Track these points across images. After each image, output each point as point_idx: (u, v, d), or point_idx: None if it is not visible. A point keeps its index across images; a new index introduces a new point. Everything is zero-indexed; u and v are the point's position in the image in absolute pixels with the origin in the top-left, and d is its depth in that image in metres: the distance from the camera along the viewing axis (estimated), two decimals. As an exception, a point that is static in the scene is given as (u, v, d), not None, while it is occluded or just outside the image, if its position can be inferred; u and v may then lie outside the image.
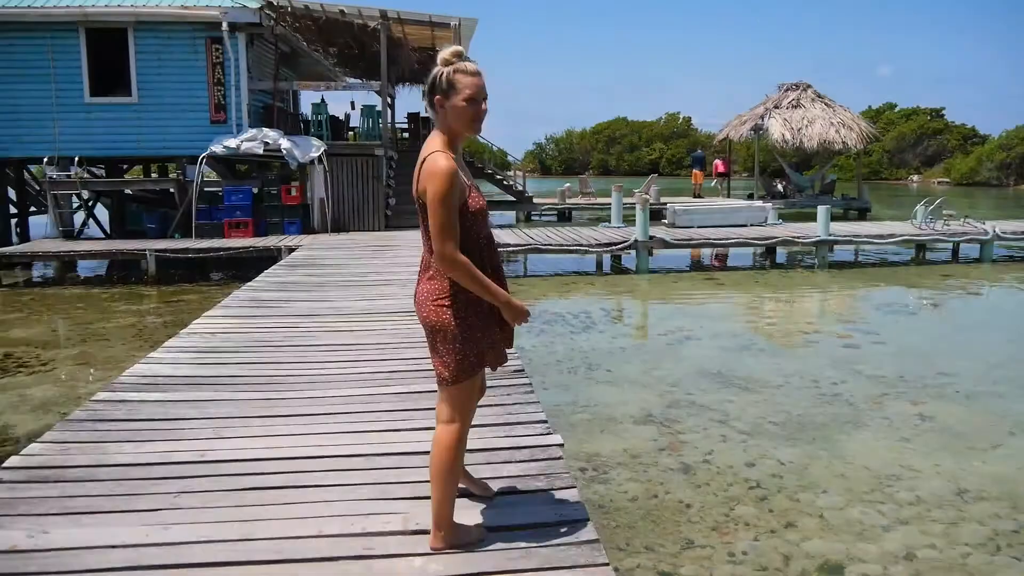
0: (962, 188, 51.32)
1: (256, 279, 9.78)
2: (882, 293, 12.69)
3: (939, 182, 57.99)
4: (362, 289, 8.96)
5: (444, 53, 2.82)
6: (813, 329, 9.73)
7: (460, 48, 2.84)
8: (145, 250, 13.36)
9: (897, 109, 68.66)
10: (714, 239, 14.48)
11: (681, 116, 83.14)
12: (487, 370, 3.01)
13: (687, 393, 7.08)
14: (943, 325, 10.27)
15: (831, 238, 14.61)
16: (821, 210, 14.70)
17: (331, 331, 6.76)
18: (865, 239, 14.87)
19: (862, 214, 25.31)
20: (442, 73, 2.78)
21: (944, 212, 15.82)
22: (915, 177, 61.90)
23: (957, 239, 15.32)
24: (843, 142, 25.49)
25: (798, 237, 14.71)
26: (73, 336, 9.61)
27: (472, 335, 2.83)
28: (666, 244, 14.17)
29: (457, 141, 2.85)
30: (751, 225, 16.49)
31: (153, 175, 19.32)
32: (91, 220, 16.97)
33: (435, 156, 2.74)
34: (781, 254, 16.23)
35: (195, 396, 4.82)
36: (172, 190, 15.47)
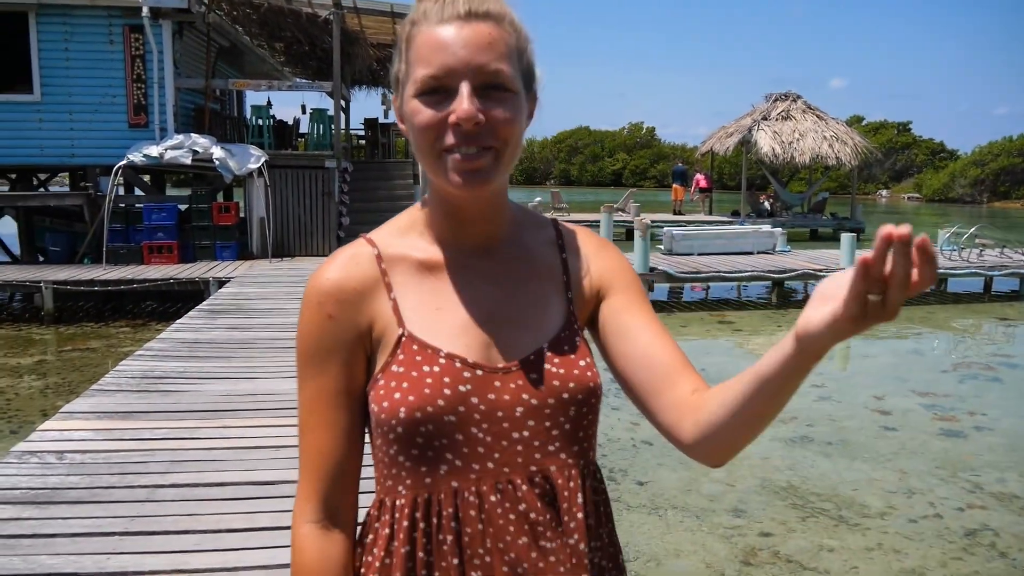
0: (935, 204, 50.31)
1: (160, 336, 7.42)
2: (932, 343, 10.70)
3: (909, 197, 57.00)
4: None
5: None
6: (882, 407, 7.63)
7: None
8: (40, 281, 10.90)
9: (864, 123, 67.69)
10: (724, 272, 12.40)
11: (645, 126, 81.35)
12: None
13: (762, 532, 4.91)
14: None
15: (856, 272, 12.59)
16: (845, 238, 12.76)
17: (243, 444, 4.49)
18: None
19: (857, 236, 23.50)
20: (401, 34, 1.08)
21: (977, 240, 13.95)
22: (884, 192, 60.88)
23: (995, 272, 13.45)
24: (836, 157, 23.70)
25: (819, 270, 12.70)
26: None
27: None
28: (670, 278, 12.07)
29: (449, 202, 1.09)
30: (758, 252, 14.48)
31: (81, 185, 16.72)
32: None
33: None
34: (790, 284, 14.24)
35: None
36: (82, 205, 12.96)
